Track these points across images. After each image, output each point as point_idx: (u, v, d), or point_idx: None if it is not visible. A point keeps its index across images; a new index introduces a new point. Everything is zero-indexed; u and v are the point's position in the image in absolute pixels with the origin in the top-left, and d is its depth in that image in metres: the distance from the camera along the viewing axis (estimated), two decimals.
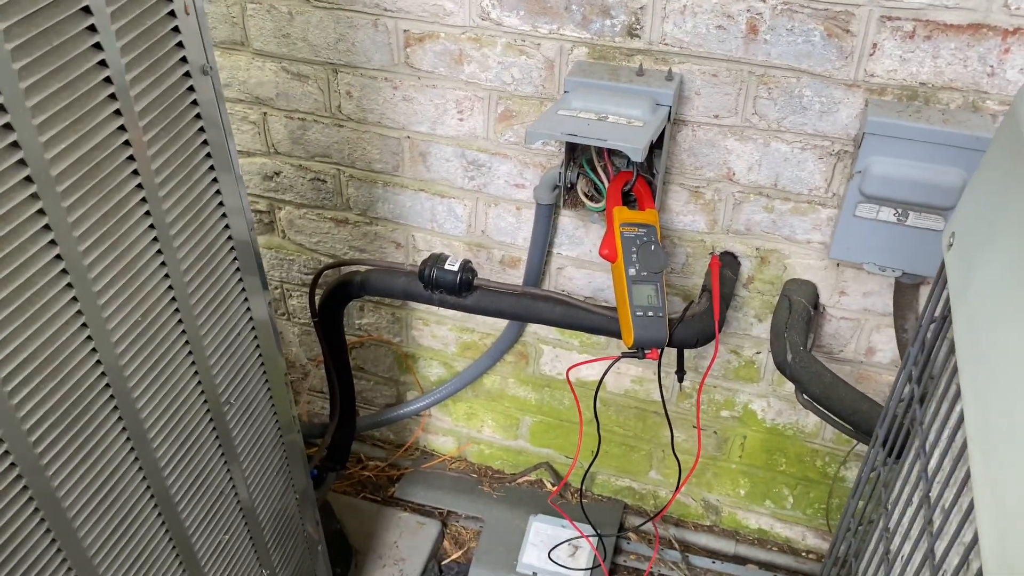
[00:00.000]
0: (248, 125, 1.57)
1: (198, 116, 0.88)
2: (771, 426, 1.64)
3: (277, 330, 1.16)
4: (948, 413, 0.79)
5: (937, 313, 0.89)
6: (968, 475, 0.67)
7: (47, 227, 0.70)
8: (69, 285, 0.74)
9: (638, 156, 1.10)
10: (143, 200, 0.82)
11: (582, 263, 1.54)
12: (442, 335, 1.78)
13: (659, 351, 1.27)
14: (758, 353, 1.54)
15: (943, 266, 0.85)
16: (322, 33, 1.41)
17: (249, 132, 1.58)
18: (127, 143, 0.78)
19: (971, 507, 0.64)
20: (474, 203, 1.53)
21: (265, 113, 1.55)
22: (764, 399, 1.60)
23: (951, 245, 0.83)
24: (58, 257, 0.72)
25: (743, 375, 1.58)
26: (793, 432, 1.63)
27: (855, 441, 1.58)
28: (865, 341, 1.44)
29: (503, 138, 1.43)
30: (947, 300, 0.82)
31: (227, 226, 0.99)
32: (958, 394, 0.73)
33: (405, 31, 1.36)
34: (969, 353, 0.71)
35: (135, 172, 0.80)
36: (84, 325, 0.77)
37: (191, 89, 0.86)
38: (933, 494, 0.79)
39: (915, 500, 0.84)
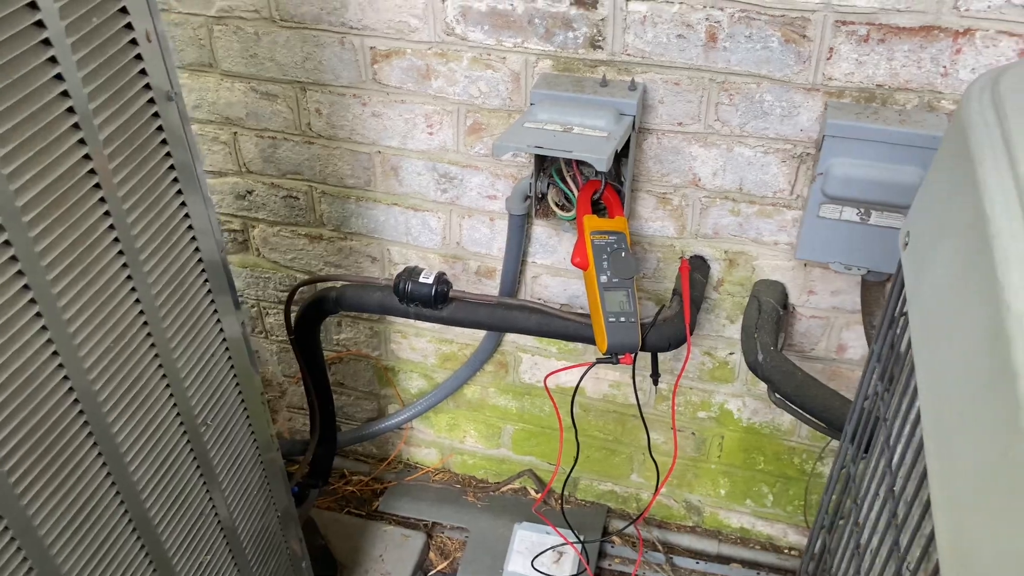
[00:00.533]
0: (219, 145, 1.58)
1: (164, 142, 0.89)
2: (747, 425, 1.66)
3: (252, 349, 1.16)
4: (909, 408, 0.81)
5: (898, 311, 0.91)
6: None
7: (14, 258, 0.71)
8: (38, 315, 0.75)
9: (603, 166, 1.12)
10: (111, 227, 0.83)
11: (557, 271, 1.56)
12: (421, 347, 1.79)
13: (632, 356, 1.29)
14: (731, 354, 1.56)
15: (901, 265, 0.87)
16: (289, 52, 1.42)
17: (220, 152, 1.59)
18: (92, 171, 0.78)
19: (930, 501, 0.66)
20: (448, 215, 1.55)
21: (235, 133, 1.55)
22: (739, 399, 1.62)
23: (907, 244, 0.85)
24: (26, 287, 0.73)
25: (718, 376, 1.60)
26: (769, 430, 1.65)
27: (830, 437, 1.60)
28: (836, 339, 1.46)
29: (473, 151, 1.44)
30: (906, 298, 0.84)
31: (197, 248, 1.00)
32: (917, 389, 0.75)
33: (371, 48, 1.38)
34: (923, 350, 0.73)
35: (102, 200, 0.81)
36: (55, 353, 0.78)
37: (156, 115, 0.87)
38: (897, 488, 0.81)
39: (881, 494, 0.86)
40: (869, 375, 1.00)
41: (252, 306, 1.82)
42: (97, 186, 0.80)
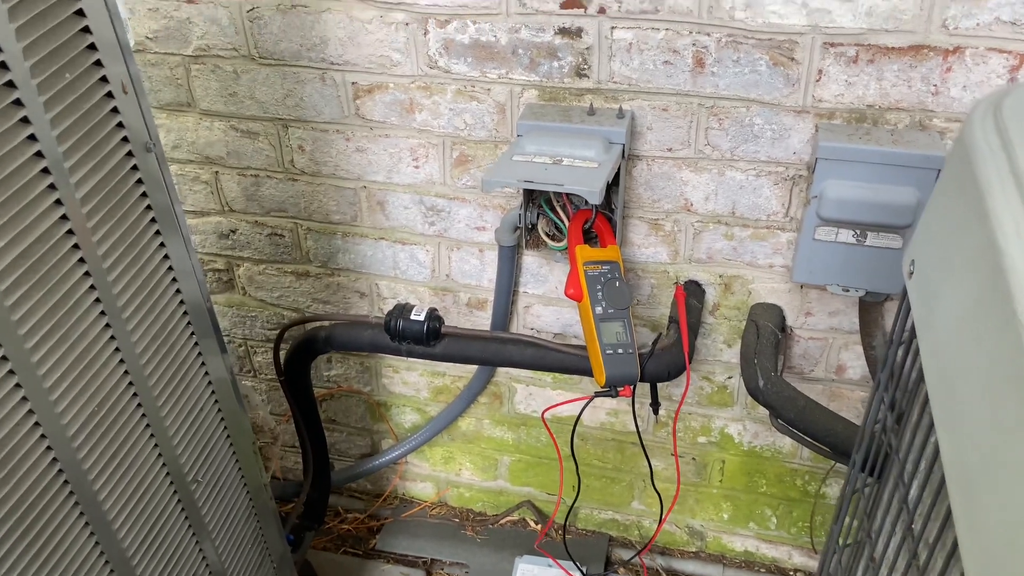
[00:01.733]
0: (200, 185, 1.55)
1: (144, 195, 0.86)
2: (748, 449, 1.63)
3: (240, 393, 1.13)
4: (924, 442, 0.79)
5: (904, 337, 0.89)
6: (950, 511, 0.66)
7: None
8: (18, 385, 0.71)
9: (596, 199, 1.10)
10: (92, 287, 0.79)
11: (549, 300, 1.53)
12: (413, 381, 1.75)
13: (632, 387, 1.26)
14: (730, 378, 1.54)
15: (906, 291, 0.85)
16: (269, 90, 1.39)
17: (202, 192, 1.56)
18: (71, 232, 0.75)
19: (956, 545, 0.64)
20: (436, 248, 1.52)
21: (217, 172, 1.52)
22: (739, 423, 1.60)
23: (911, 272, 0.83)
24: (4, 358, 0.69)
25: (717, 400, 1.58)
26: (771, 453, 1.63)
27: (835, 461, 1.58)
28: (835, 359, 1.44)
29: (460, 183, 1.42)
30: (912, 325, 0.82)
31: (179, 291, 0.96)
32: (932, 423, 0.73)
33: (353, 83, 1.35)
34: (938, 384, 0.70)
35: (81, 260, 0.77)
36: (37, 424, 0.74)
37: (135, 168, 0.84)
38: (916, 526, 0.78)
39: (898, 531, 0.84)
40: (877, 401, 0.98)
41: (239, 346, 1.78)
42: (76, 247, 0.76)
